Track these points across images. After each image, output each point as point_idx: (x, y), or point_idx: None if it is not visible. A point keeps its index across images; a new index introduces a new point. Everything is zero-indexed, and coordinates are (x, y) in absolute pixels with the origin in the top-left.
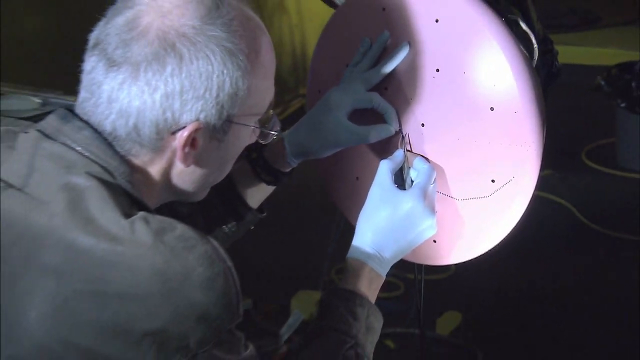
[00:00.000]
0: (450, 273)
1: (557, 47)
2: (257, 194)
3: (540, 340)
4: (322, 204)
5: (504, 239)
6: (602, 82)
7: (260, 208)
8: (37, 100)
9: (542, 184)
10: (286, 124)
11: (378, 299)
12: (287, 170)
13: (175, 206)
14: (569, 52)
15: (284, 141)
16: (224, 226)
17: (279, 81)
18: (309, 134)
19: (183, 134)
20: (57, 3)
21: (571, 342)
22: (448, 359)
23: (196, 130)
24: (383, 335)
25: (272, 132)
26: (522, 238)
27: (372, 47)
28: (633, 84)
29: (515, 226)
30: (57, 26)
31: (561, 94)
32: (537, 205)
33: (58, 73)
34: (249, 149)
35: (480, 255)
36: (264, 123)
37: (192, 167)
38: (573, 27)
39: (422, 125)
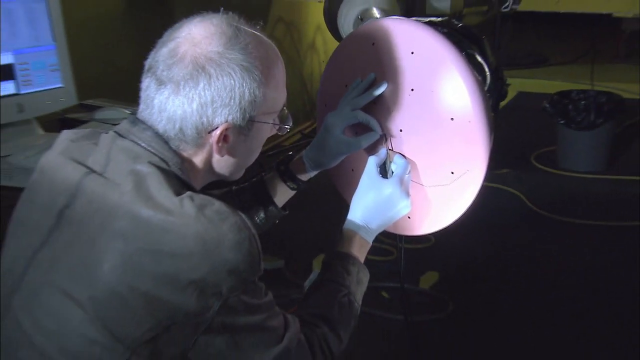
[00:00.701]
0: (431, 244)
1: (515, 80)
2: (282, 197)
3: (499, 294)
4: (337, 190)
5: (475, 221)
6: (547, 105)
7: (284, 207)
8: (127, 111)
9: (501, 179)
10: (313, 134)
11: (376, 262)
12: (307, 179)
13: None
14: (524, 83)
15: (303, 158)
16: (256, 218)
17: (311, 102)
18: (319, 152)
19: (216, 133)
20: (142, 43)
21: (520, 292)
22: (427, 306)
23: (226, 129)
24: (380, 288)
25: (286, 126)
26: (486, 219)
27: (361, 82)
28: (569, 107)
29: (482, 210)
30: (141, 57)
31: (517, 113)
32: (497, 195)
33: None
34: (279, 163)
35: (454, 231)
36: (281, 120)
37: (226, 157)
38: (528, 65)
39: (400, 130)
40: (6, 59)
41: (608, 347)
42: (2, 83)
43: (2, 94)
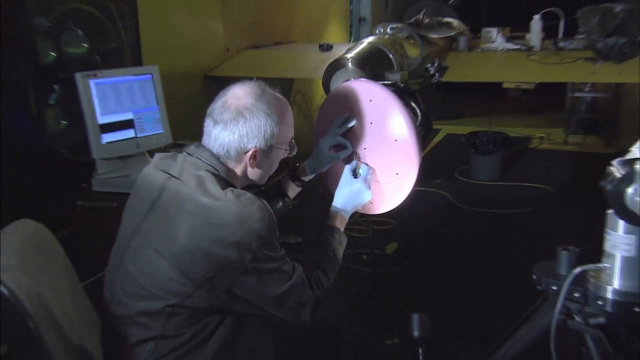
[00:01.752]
0: (393, 226)
1: (445, 126)
2: (293, 192)
3: (435, 255)
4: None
5: (421, 211)
6: (464, 140)
7: (294, 198)
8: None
9: (436, 186)
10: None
11: (359, 237)
12: (307, 180)
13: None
14: (450, 128)
15: (304, 167)
16: (276, 205)
17: None
18: (314, 162)
19: (249, 154)
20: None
21: (448, 253)
22: (390, 263)
23: (255, 151)
24: (360, 253)
25: (293, 151)
26: (428, 210)
27: (340, 119)
28: (477, 141)
29: (425, 205)
30: None
31: (446, 147)
32: (434, 196)
33: None
34: (290, 170)
35: (408, 217)
36: (290, 147)
37: (255, 169)
38: (452, 117)
39: (365, 148)
40: (129, 115)
41: (503, 282)
42: (126, 130)
43: (126, 137)
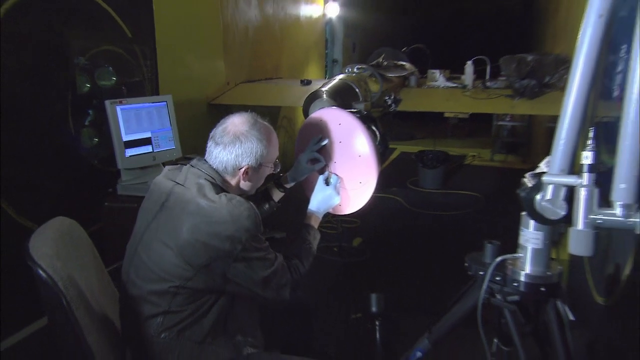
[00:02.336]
0: (358, 224)
1: (399, 146)
2: (277, 196)
3: (392, 247)
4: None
5: (380, 214)
6: (414, 157)
7: (278, 202)
8: None
9: (392, 192)
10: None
11: (330, 233)
12: (289, 187)
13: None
14: (404, 148)
15: (287, 176)
16: (263, 207)
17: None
18: (295, 173)
19: (242, 170)
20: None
21: (401, 246)
22: (355, 254)
23: (247, 168)
24: (331, 246)
25: (277, 168)
26: (385, 212)
27: (315, 139)
28: (424, 157)
29: (383, 207)
30: None
31: (396, 163)
32: (390, 201)
33: None
34: (275, 179)
35: (370, 218)
36: (274, 165)
37: (247, 182)
38: (405, 139)
39: (335, 162)
40: (147, 134)
41: (442, 268)
42: (145, 146)
43: (145, 152)
